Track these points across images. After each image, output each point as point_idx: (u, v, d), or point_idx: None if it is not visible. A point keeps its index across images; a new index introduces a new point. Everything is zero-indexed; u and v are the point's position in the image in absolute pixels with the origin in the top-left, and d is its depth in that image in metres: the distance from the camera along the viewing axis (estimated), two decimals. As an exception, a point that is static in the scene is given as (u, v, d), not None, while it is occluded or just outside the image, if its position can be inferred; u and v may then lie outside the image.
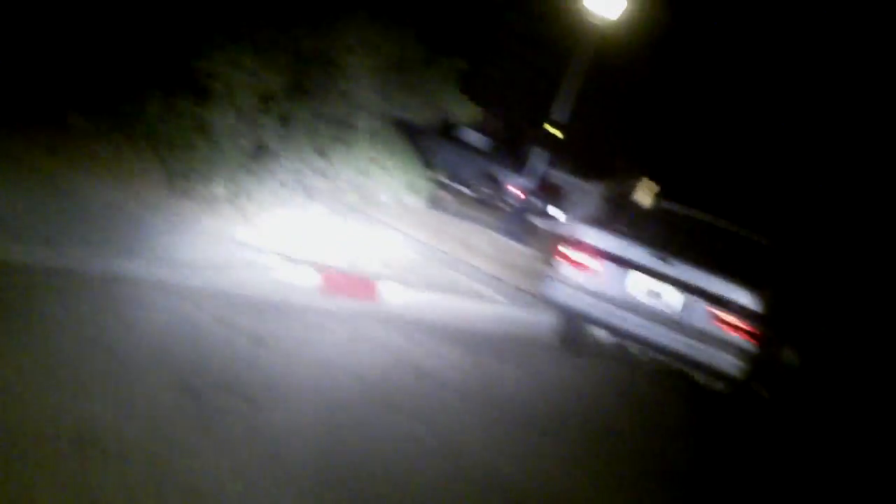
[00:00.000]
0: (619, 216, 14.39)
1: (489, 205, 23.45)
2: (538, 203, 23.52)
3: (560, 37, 23.86)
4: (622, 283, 10.58)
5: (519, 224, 19.90)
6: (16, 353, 5.23)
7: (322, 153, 11.03)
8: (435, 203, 12.68)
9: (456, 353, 9.19)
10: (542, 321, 11.80)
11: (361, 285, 10.02)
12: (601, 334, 11.37)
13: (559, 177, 26.74)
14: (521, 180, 22.13)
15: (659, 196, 28.39)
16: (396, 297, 10.25)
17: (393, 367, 7.94)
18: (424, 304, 10.64)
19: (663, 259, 10.39)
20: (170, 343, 6.39)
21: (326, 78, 11.18)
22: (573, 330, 11.54)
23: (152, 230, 8.95)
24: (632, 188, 28.65)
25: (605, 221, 11.94)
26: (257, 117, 10.75)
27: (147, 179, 10.44)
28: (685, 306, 10.26)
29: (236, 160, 10.73)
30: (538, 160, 20.53)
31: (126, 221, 8.88)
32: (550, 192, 25.46)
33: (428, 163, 12.63)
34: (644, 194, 28.41)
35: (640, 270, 10.53)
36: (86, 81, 11.05)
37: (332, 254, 10.56)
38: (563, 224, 22.90)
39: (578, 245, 10.81)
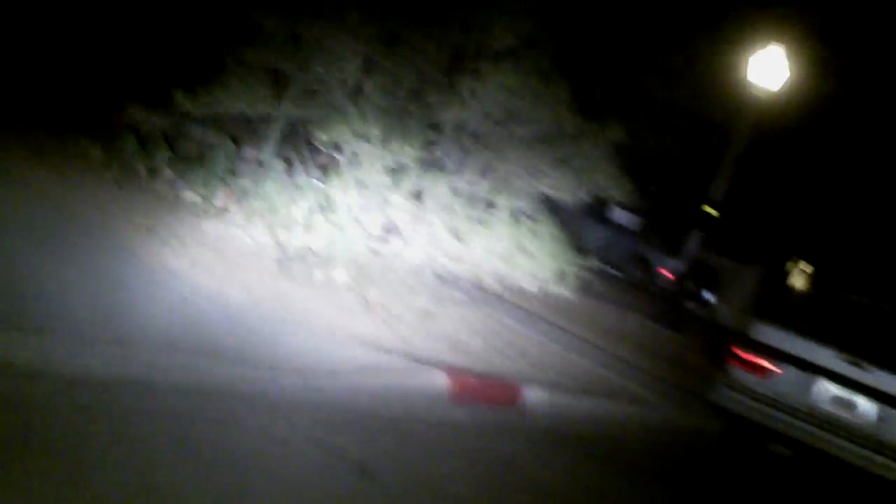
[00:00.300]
0: (785, 305, 12.75)
1: (640, 289, 21.87)
2: (692, 287, 21.85)
3: (716, 110, 22.32)
4: (806, 391, 9.15)
5: (672, 310, 18.41)
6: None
7: (458, 235, 9.67)
8: (584, 289, 11.19)
9: (608, 475, 7.80)
10: (706, 430, 10.23)
11: (499, 390, 8.60)
12: (779, 449, 9.74)
13: (713, 259, 24.93)
14: (674, 262, 20.61)
15: (815, 279, 26.47)
16: (540, 402, 8.78)
17: (532, 501, 6.43)
18: (571, 409, 9.18)
19: (857, 364, 8.85)
20: (240, 479, 4.93)
21: (465, 151, 9.91)
22: (746, 443, 9.98)
23: (253, 323, 7.65)
24: (788, 271, 26.79)
25: (769, 310, 10.36)
26: (385, 193, 9.50)
27: (255, 261, 9.22)
28: (882, 420, 8.75)
29: (360, 241, 9.50)
30: (691, 241, 19.05)
31: (223, 312, 7.59)
32: (704, 275, 23.67)
33: (577, 247, 11.14)
34: (799, 277, 26.57)
35: (828, 377, 8.99)
36: (198, 151, 10.08)
37: (467, 352, 9.11)
38: (729, 316, 21.19)
39: (753, 345, 9.31)
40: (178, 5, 11.28)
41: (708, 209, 19.02)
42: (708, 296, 23.41)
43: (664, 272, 21.99)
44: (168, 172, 10.34)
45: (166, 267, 8.12)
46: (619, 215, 23.34)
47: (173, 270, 8.10)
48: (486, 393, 8.39)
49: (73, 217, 8.54)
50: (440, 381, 7.96)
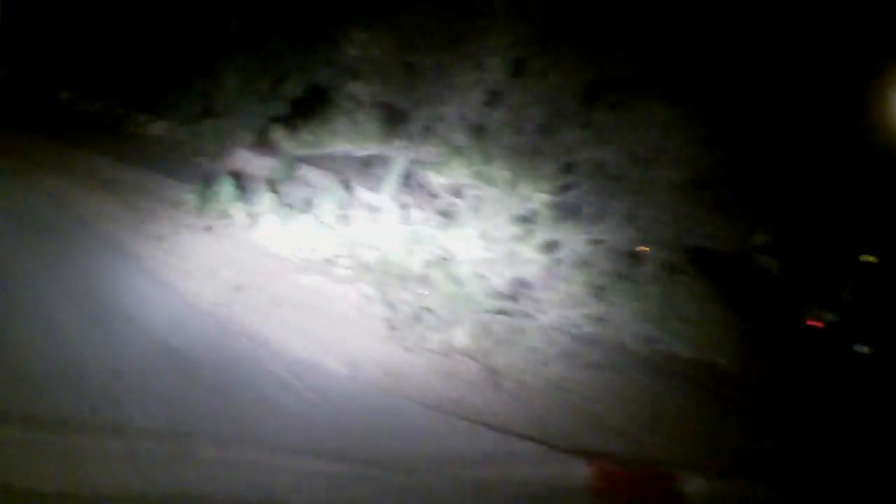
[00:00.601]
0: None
1: (790, 342, 20.25)
2: (845, 336, 20.20)
3: (872, 150, 20.83)
4: None
5: (823, 362, 16.87)
6: None
7: (597, 293, 8.31)
8: (737, 346, 9.63)
9: None
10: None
11: (650, 479, 7.24)
12: None
13: (867, 308, 23.17)
14: (824, 312, 19.08)
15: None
16: (697, 492, 7.33)
17: None
18: (734, 500, 7.59)
19: None
20: None
21: (604, 195, 8.54)
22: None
23: (355, 403, 6.44)
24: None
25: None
26: (512, 244, 8.23)
27: (363, 321, 8.06)
28: None
29: (484, 299, 8.25)
30: (842, 287, 17.56)
31: (319, 390, 6.38)
32: (858, 326, 21.94)
33: (731, 303, 9.61)
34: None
35: None
36: (303, 194, 9.03)
37: (611, 431, 7.72)
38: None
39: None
40: (273, 34, 10.35)
41: (867, 257, 17.47)
42: (861, 348, 21.68)
43: (815, 323, 20.38)
44: (268, 218, 9.29)
45: (255, 335, 6.95)
46: (763, 261, 21.81)
47: (263, 339, 6.94)
48: (634, 484, 7.03)
49: (151, 275, 7.46)
50: (579, 470, 6.69)
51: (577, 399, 8.08)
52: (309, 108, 9.55)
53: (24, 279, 6.14)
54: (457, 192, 8.51)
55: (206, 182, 9.54)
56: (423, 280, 8.42)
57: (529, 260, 8.35)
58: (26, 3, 11.10)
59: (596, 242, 8.53)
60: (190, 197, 9.43)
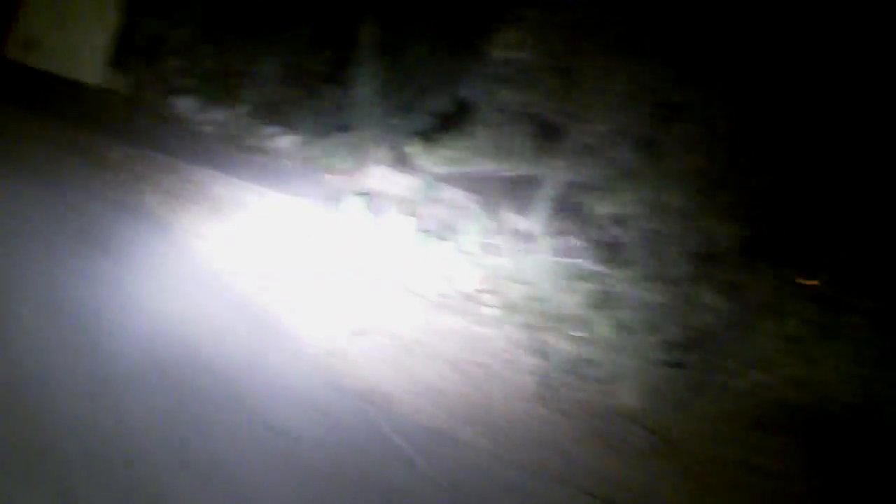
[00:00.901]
0: None
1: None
2: None
3: None
4: None
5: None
6: None
7: (794, 348, 6.94)
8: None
9: None
10: None
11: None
12: None
13: None
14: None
15: None
16: None
17: None
18: None
19: None
20: None
21: (802, 231, 7.18)
22: None
23: (498, 488, 5.17)
24: None
25: None
26: (690, 288, 6.92)
27: (507, 372, 6.96)
28: None
29: (655, 352, 6.94)
30: None
31: (452, 477, 5.12)
32: None
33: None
34: None
35: None
36: (442, 217, 7.98)
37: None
38: None
39: None
40: (412, 39, 9.42)
41: None
42: None
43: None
44: (402, 245, 8.29)
45: (374, 393, 5.74)
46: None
47: (384, 398, 5.74)
48: None
49: (249, 315, 6.31)
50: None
51: (772, 483, 6.64)
52: (451, 122, 8.79)
53: (81, 320, 4.97)
54: (622, 222, 7.44)
55: (333, 202, 8.60)
56: (582, 324, 7.34)
57: (711, 306, 7.05)
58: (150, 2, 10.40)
59: (791, 287, 7.15)
60: (312, 219, 8.47)
